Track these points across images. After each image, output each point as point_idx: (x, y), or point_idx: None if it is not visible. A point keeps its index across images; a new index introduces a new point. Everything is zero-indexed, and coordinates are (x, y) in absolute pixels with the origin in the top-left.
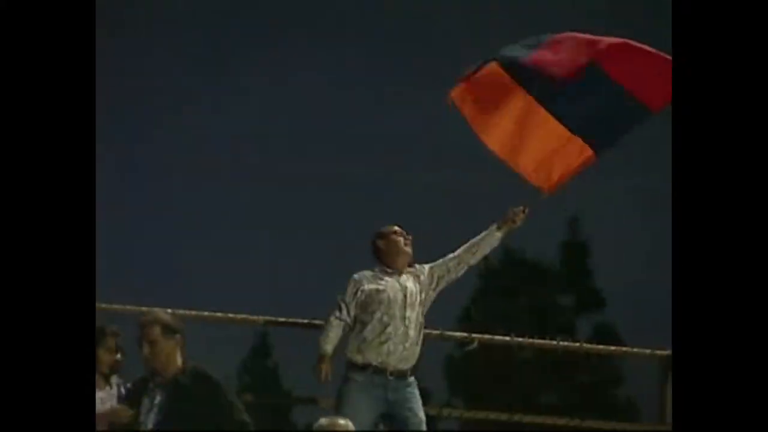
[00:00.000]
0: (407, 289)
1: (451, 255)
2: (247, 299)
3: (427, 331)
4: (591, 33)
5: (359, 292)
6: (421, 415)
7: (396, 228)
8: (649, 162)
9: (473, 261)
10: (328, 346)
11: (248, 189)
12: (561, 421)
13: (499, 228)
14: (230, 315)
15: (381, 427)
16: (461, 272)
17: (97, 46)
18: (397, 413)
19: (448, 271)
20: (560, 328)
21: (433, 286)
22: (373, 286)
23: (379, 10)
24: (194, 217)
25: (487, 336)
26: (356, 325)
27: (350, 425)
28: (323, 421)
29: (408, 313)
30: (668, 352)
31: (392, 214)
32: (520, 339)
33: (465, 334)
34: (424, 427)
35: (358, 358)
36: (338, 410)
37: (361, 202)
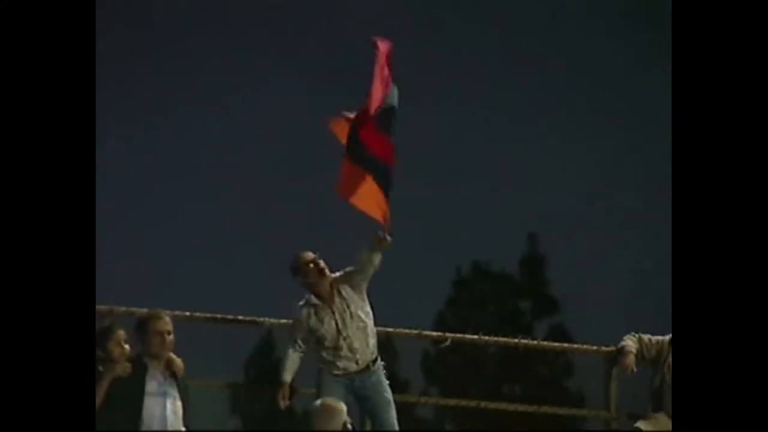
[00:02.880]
0: (336, 314)
1: (354, 270)
2: (251, 301)
3: (407, 330)
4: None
5: (306, 332)
6: (387, 395)
7: (306, 257)
8: (610, 183)
9: (372, 272)
10: (287, 376)
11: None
12: (521, 408)
13: (372, 248)
14: (239, 317)
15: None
16: (370, 273)
17: (97, 46)
18: (366, 395)
19: (363, 280)
20: (521, 328)
21: (359, 295)
22: (313, 323)
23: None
24: (199, 222)
25: (458, 335)
26: (316, 351)
27: (341, 405)
28: (317, 402)
29: (347, 332)
30: (612, 348)
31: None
32: (487, 338)
33: (439, 333)
34: (392, 405)
35: (323, 368)
36: (318, 396)
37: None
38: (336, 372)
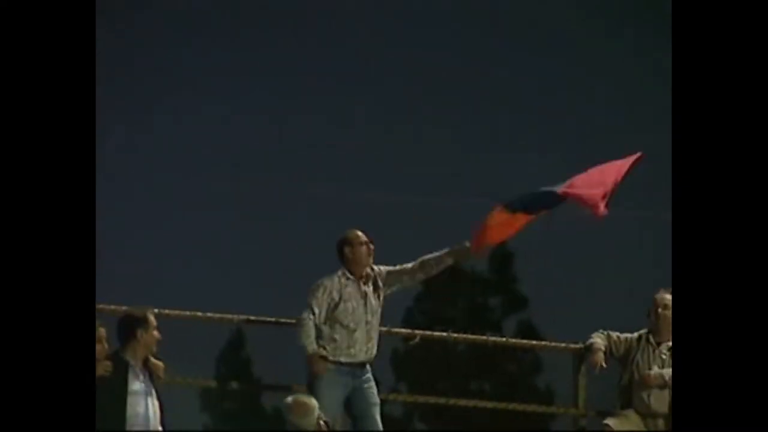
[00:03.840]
0: (367, 297)
1: (407, 266)
2: (225, 297)
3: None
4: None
5: (329, 299)
6: (376, 399)
7: (362, 237)
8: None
9: (421, 278)
10: (313, 344)
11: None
12: (490, 405)
13: (449, 255)
14: (209, 314)
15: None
16: (408, 285)
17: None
18: (357, 398)
19: (401, 282)
20: (490, 325)
21: (385, 290)
22: (338, 297)
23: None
24: (199, 223)
25: (427, 332)
26: (325, 327)
27: (313, 401)
28: (290, 398)
29: (369, 318)
30: (580, 345)
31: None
32: (456, 335)
33: (409, 331)
34: (378, 411)
35: (330, 356)
36: (312, 393)
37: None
38: (342, 359)
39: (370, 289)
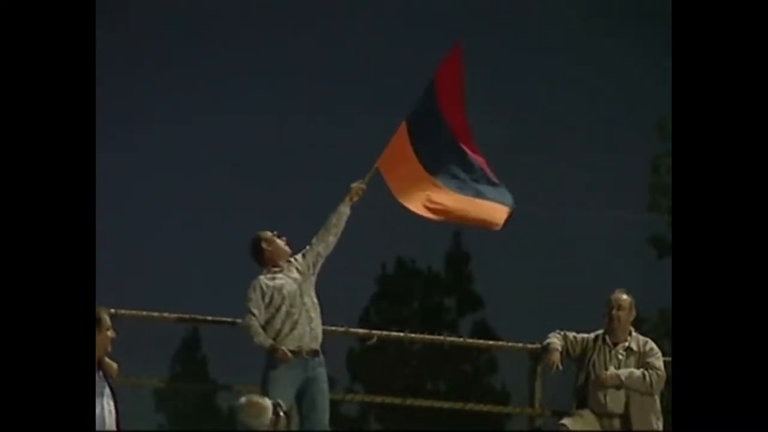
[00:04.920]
0: (297, 280)
1: (313, 240)
2: (180, 298)
3: (333, 328)
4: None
5: (264, 294)
6: (327, 396)
7: (275, 232)
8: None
9: (333, 238)
10: (268, 339)
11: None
12: (446, 405)
13: (344, 203)
14: (165, 314)
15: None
16: (329, 250)
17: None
18: (309, 391)
19: (318, 254)
20: (445, 325)
21: (311, 270)
22: (273, 284)
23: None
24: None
25: (384, 332)
26: (269, 323)
27: (266, 401)
28: (243, 399)
29: (305, 300)
30: (537, 345)
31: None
32: (412, 335)
33: (366, 331)
34: (327, 403)
35: (276, 345)
36: (264, 391)
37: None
38: (290, 346)
39: (296, 274)
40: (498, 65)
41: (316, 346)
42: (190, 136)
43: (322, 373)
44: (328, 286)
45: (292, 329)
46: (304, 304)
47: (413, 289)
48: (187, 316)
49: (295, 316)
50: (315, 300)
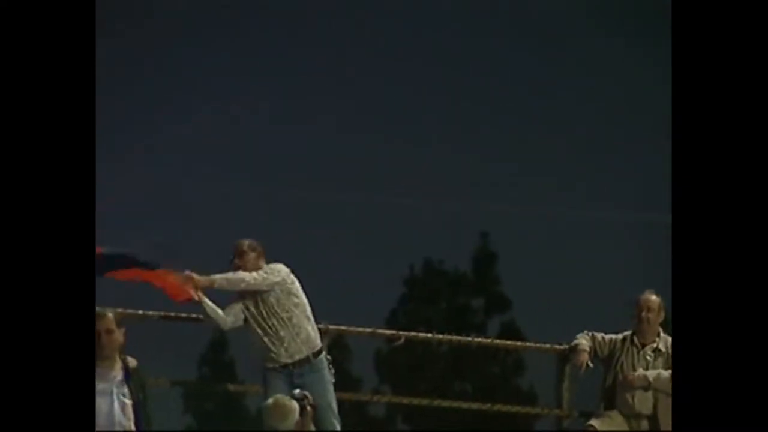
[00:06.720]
0: (258, 304)
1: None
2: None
3: (360, 328)
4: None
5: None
6: (329, 396)
7: (248, 243)
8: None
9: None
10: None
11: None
12: (473, 406)
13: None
14: (192, 315)
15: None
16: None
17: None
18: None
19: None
20: (473, 326)
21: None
22: (241, 313)
23: None
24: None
25: (411, 333)
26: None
27: (293, 403)
28: (269, 401)
29: (270, 322)
30: (564, 346)
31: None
32: (440, 336)
33: (393, 332)
34: (332, 407)
35: (263, 364)
36: (264, 392)
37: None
38: (270, 365)
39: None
40: (498, 66)
41: (299, 357)
42: (189, 136)
43: (317, 377)
44: (356, 287)
45: (269, 347)
46: (270, 327)
47: (441, 290)
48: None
49: (264, 339)
50: (286, 312)
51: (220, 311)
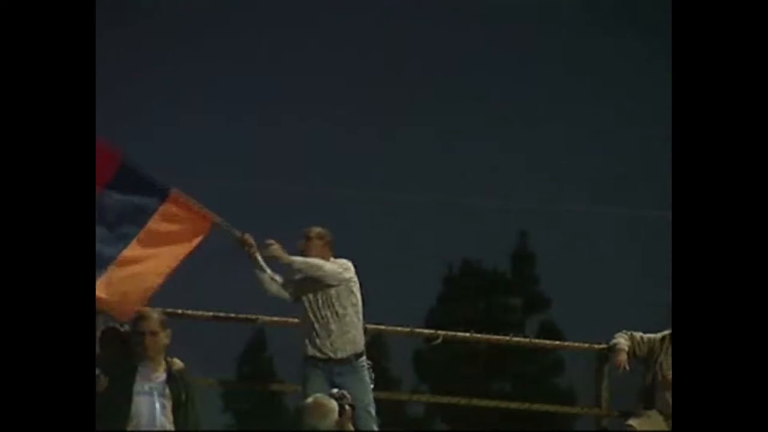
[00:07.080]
0: (317, 292)
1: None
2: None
3: (398, 328)
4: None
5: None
6: (367, 399)
7: (321, 232)
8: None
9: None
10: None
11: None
12: (512, 405)
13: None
14: (232, 315)
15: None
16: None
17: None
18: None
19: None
20: (511, 325)
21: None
22: (290, 289)
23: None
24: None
25: (449, 332)
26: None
27: (332, 402)
28: (309, 400)
29: (324, 313)
30: (603, 345)
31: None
32: (478, 335)
33: (431, 331)
34: (370, 410)
35: (304, 351)
36: (303, 389)
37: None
38: (313, 353)
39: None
40: (499, 65)
41: (342, 355)
42: (190, 136)
43: (357, 379)
44: (395, 286)
45: (314, 337)
46: (323, 317)
47: (479, 289)
48: (253, 316)
49: (316, 326)
50: (341, 310)
51: (269, 271)
